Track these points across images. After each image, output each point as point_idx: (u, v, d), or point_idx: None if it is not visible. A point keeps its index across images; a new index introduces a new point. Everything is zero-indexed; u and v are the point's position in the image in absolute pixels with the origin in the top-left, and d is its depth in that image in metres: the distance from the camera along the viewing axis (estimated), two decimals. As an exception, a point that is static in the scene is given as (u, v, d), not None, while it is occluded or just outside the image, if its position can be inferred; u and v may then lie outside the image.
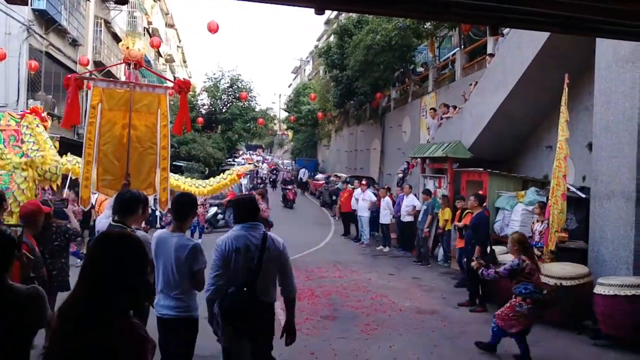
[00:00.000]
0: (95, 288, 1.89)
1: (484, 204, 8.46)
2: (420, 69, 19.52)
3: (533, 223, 8.10)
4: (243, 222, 3.88)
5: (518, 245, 5.69)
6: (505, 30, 11.38)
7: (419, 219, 11.93)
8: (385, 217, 13.42)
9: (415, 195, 12.97)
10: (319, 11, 4.31)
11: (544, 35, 8.56)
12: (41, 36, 15.92)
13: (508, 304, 5.67)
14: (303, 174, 32.81)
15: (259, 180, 28.95)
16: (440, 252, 11.75)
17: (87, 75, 9.38)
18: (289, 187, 24.22)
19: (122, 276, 1.92)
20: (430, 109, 15.46)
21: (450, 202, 11.12)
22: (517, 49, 9.78)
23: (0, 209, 4.76)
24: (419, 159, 13.85)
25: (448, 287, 9.38)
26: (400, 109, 20.32)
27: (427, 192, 12.09)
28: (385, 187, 15.24)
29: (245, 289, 3.72)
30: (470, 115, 11.74)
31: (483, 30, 13.90)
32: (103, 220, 4.81)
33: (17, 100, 14.72)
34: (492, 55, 12.07)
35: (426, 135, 15.70)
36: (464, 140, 11.63)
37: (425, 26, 16.96)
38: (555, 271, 6.89)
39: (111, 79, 8.82)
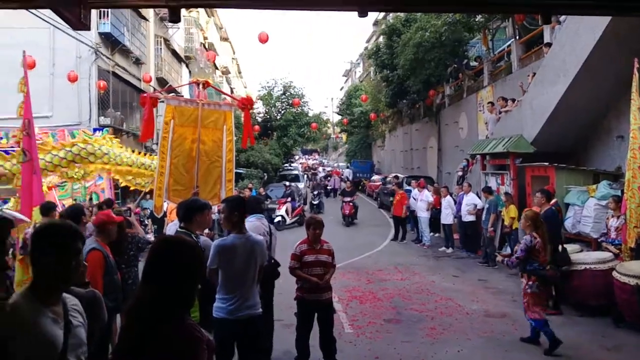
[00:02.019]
0: (153, 289, 2.01)
1: (553, 200, 8.12)
2: (474, 63, 19.02)
3: (608, 219, 7.65)
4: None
5: (530, 221, 5.98)
6: (562, 18, 10.90)
7: (482, 218, 11.60)
8: (447, 217, 13.13)
9: (476, 193, 12.62)
10: (362, 13, 4.33)
11: (604, 20, 8.11)
12: (108, 57, 16.93)
13: (523, 293, 5.96)
14: (349, 174, 31.96)
15: (317, 184, 28.33)
16: (507, 252, 11.34)
17: (161, 90, 10.07)
18: (347, 198, 19.20)
19: (177, 278, 2.02)
20: (488, 103, 15.02)
21: (515, 199, 10.75)
22: (575, 36, 9.32)
23: (78, 223, 5.10)
24: (478, 156, 13.49)
25: (518, 289, 8.93)
26: (455, 105, 19.88)
27: (488, 190, 11.74)
28: (444, 186, 14.92)
29: None
30: (530, 107, 11.30)
31: (538, 19, 13.39)
32: (172, 227, 5.11)
33: (89, 118, 15.72)
34: (549, 44, 11.57)
35: (484, 131, 15.27)
36: (526, 134, 11.21)
37: (476, 19, 16.53)
38: (635, 269, 6.41)
39: (181, 97, 9.40)
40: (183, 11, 25.64)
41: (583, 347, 6.01)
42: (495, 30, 17.77)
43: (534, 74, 11.70)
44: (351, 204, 18.77)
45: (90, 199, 11.76)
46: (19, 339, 1.89)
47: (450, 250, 12.93)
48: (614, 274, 6.59)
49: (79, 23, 4.27)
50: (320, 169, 42.76)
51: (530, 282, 5.85)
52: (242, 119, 8.44)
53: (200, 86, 7.31)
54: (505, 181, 11.64)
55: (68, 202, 9.94)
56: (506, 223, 10.86)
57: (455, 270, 10.79)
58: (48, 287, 2.07)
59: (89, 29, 4.49)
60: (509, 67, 15.23)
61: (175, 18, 4.96)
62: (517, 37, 14.64)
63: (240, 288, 4.10)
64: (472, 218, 12.18)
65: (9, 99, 6.00)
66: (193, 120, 7.07)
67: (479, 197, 12.38)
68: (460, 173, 15.57)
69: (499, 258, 6.55)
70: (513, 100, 12.92)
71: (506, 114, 13.03)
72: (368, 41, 48.07)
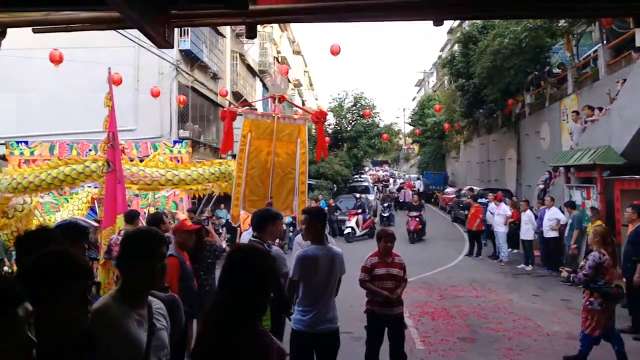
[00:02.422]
0: (227, 297, 2.07)
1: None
2: (556, 70, 18.11)
3: None
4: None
5: (599, 237, 5.76)
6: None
7: (565, 234, 10.94)
8: (527, 233, 12.49)
9: (559, 207, 11.93)
10: (438, 22, 4.24)
11: None
12: (187, 73, 17.82)
13: (582, 309, 5.77)
14: (419, 186, 30.71)
15: (387, 196, 27.91)
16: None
17: (236, 107, 10.54)
18: (414, 213, 17.85)
19: (249, 286, 2.07)
20: (572, 112, 14.22)
21: (602, 215, 10.06)
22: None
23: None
24: (561, 168, 12.77)
25: (604, 310, 8.42)
26: (536, 115, 18.98)
27: (571, 204, 11.09)
28: (524, 199, 14.22)
29: None
30: (620, 116, 10.56)
31: (628, 22, 12.52)
32: (246, 236, 5.26)
33: (170, 131, 16.58)
34: (640, 49, 10.81)
35: (568, 142, 14.46)
36: (615, 145, 10.48)
37: (559, 24, 15.76)
38: None
39: (258, 111, 9.83)
40: (259, 27, 26.50)
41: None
42: (580, 35, 16.86)
43: (624, 80, 10.93)
44: (417, 219, 17.53)
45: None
46: (105, 338, 1.96)
47: (530, 267, 12.27)
48: None
49: (164, 41, 4.51)
50: (391, 180, 42.19)
51: (592, 299, 5.67)
52: (315, 131, 8.66)
53: (277, 100, 7.53)
54: (591, 195, 10.92)
55: (150, 210, 10.45)
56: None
57: (536, 288, 10.22)
58: (135, 290, 2.19)
59: (172, 47, 4.75)
60: (595, 74, 14.37)
61: (252, 34, 5.13)
62: (605, 42, 13.78)
63: (321, 301, 4.11)
64: (554, 234, 11.51)
65: (98, 114, 6.42)
66: (269, 133, 7.30)
67: (562, 212, 11.68)
68: (541, 186, 14.80)
69: (563, 273, 6.33)
70: (600, 109, 12.13)
71: (592, 123, 12.26)
72: (442, 50, 47.25)
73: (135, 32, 4.32)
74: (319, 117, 7.81)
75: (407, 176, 48.55)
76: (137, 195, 11.54)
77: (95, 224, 7.09)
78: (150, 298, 2.27)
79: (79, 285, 1.78)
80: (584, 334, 5.78)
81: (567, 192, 12.17)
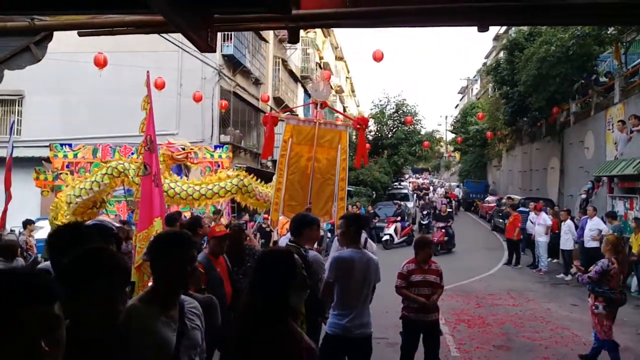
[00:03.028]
0: (256, 296, 2.21)
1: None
2: (603, 79, 17.60)
3: None
4: None
5: (611, 246, 6.08)
6: None
7: (597, 244, 10.67)
8: (567, 243, 12.22)
9: (601, 218, 11.61)
10: (482, 28, 4.26)
11: None
12: (230, 78, 18.15)
13: (590, 313, 6.13)
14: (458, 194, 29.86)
15: (427, 204, 27.29)
16: (634, 282, 10.32)
17: (282, 111, 10.66)
18: (440, 224, 17.15)
19: (275, 286, 2.19)
20: (618, 121, 13.82)
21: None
22: None
23: (194, 234, 5.55)
24: (605, 178, 12.44)
25: (646, 323, 8.20)
26: (581, 124, 18.48)
27: (612, 215, 10.95)
28: (566, 209, 13.91)
29: None
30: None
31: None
32: (284, 240, 5.36)
33: (211, 136, 16.93)
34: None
35: (613, 151, 14.05)
36: (661, 155, 10.18)
37: (608, 32, 15.35)
38: None
39: (300, 117, 9.89)
40: (301, 32, 26.78)
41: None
42: (629, 43, 16.37)
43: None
44: (444, 230, 16.55)
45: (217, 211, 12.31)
46: (132, 339, 2.00)
47: (569, 277, 11.99)
48: None
49: (206, 46, 4.72)
50: (431, 188, 41.36)
51: (597, 303, 6.02)
52: (356, 138, 8.67)
53: (318, 106, 7.55)
54: (634, 206, 10.63)
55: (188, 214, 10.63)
56: (634, 251, 9.90)
57: (575, 298, 9.98)
58: (164, 291, 2.25)
59: (214, 51, 4.93)
60: (643, 83, 13.91)
61: (294, 39, 5.29)
62: (655, 50, 13.37)
63: (357, 304, 4.12)
64: (595, 244, 11.17)
65: (141, 118, 6.61)
66: (310, 138, 7.31)
67: (604, 222, 11.38)
68: (584, 196, 14.45)
69: (573, 269, 6.31)
70: (647, 119, 11.79)
71: (638, 133, 11.91)
72: (487, 57, 46.45)
73: (179, 37, 4.52)
74: (361, 123, 7.81)
75: (447, 184, 47.75)
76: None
77: (118, 225, 7.12)
78: (183, 297, 2.32)
79: (116, 283, 1.82)
80: (601, 339, 6.07)
81: (609, 202, 11.89)
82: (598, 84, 17.38)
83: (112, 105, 16.26)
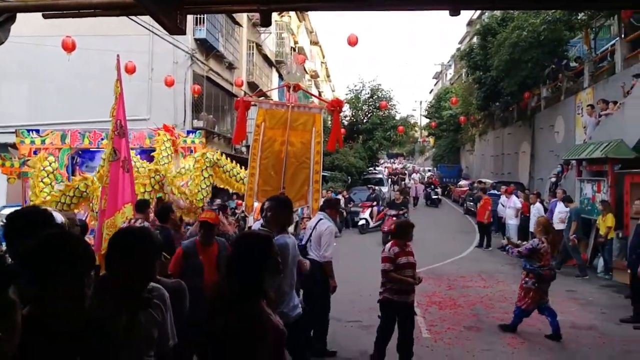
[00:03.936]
0: (232, 279, 2.22)
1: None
2: (574, 64, 17.93)
3: None
4: None
5: (542, 227, 6.73)
6: (676, 13, 10.02)
7: (563, 227, 11.05)
8: (536, 226, 12.52)
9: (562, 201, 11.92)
10: (454, 12, 4.27)
11: None
12: (202, 62, 17.85)
13: (519, 286, 6.80)
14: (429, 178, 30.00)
15: (403, 189, 27.16)
16: (600, 262, 10.65)
17: (252, 96, 10.50)
18: (392, 212, 15.93)
19: (252, 270, 2.21)
20: (588, 105, 14.12)
21: (613, 208, 10.06)
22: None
23: (165, 220, 5.51)
24: (574, 162, 12.73)
25: (609, 302, 8.49)
26: (552, 108, 18.84)
27: (568, 199, 11.49)
28: (535, 192, 14.21)
29: None
30: (633, 110, 10.50)
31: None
32: (256, 225, 5.36)
33: (184, 121, 16.68)
34: (659, 42, 10.70)
35: (582, 135, 14.38)
36: (627, 139, 10.44)
37: (578, 17, 15.58)
38: None
39: (272, 100, 9.73)
40: (275, 16, 26.53)
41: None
42: (598, 28, 16.66)
43: (636, 75, 10.88)
44: (395, 218, 14.90)
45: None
46: (86, 331, 1.96)
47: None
48: None
49: (176, 28, 4.63)
50: (415, 175, 40.79)
51: (527, 279, 6.64)
52: (330, 121, 8.51)
53: (291, 89, 7.48)
54: (601, 188, 10.91)
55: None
56: (601, 232, 10.20)
57: (543, 280, 10.27)
58: (122, 285, 2.19)
59: (184, 33, 4.82)
60: (612, 68, 14.23)
61: (266, 22, 5.21)
62: (623, 36, 13.63)
63: (290, 290, 4.15)
64: (563, 226, 11.51)
65: (111, 103, 6.45)
66: (283, 122, 7.23)
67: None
68: (553, 179, 14.78)
69: (504, 241, 7.02)
70: (615, 103, 12.05)
71: (606, 117, 12.19)
72: (461, 42, 46.72)
73: (149, 20, 4.38)
74: (335, 105, 7.63)
75: (420, 169, 48.13)
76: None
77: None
78: (153, 287, 2.29)
79: (83, 267, 1.82)
80: (521, 308, 6.69)
81: (578, 186, 12.16)
82: (568, 68, 17.70)
83: (82, 90, 15.92)
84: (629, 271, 7.49)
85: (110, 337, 2.05)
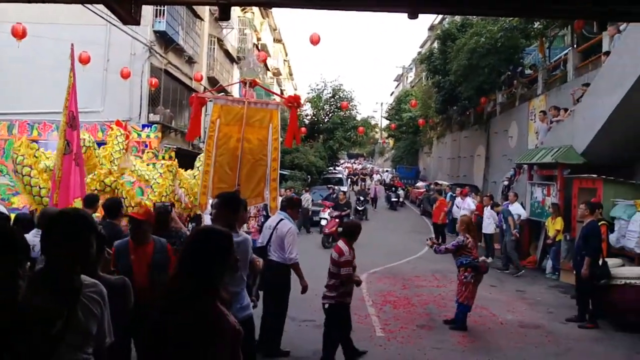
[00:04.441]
0: (186, 275, 2.13)
1: (599, 213, 7.87)
2: (528, 71, 18.51)
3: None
4: None
5: (465, 225, 7.14)
6: (623, 26, 10.48)
7: (493, 229, 11.88)
8: (489, 227, 12.83)
9: (521, 203, 12.29)
10: (412, 15, 4.30)
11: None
12: (161, 55, 17.42)
13: (458, 283, 7.04)
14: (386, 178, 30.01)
15: (362, 190, 27.26)
16: (548, 264, 11.03)
17: (208, 93, 10.28)
18: (335, 213, 15.40)
19: (209, 266, 2.13)
20: (540, 111, 14.61)
21: (562, 211, 10.44)
22: (636, 45, 8.95)
23: (115, 216, 5.32)
24: (525, 166, 13.13)
25: (556, 301, 8.79)
26: (506, 114, 19.40)
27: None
28: (488, 194, 14.60)
29: None
30: (583, 118, 10.92)
31: (601, 28, 12.92)
32: (208, 221, 5.26)
33: (140, 115, 16.22)
34: (608, 53, 11.15)
35: (534, 140, 14.86)
36: (576, 145, 10.84)
37: (534, 26, 16.10)
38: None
39: (228, 96, 9.53)
40: (238, 12, 26.20)
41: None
42: (553, 38, 17.25)
43: (586, 84, 11.33)
44: (338, 220, 14.46)
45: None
46: (17, 325, 1.90)
47: (490, 259, 12.58)
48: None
49: (130, 18, 4.48)
50: (375, 176, 40.91)
51: (466, 274, 6.91)
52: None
53: (247, 85, 7.44)
54: (551, 192, 11.31)
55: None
56: (550, 234, 10.58)
57: (494, 279, 10.50)
58: (58, 273, 2.08)
59: (138, 23, 4.66)
60: (564, 76, 14.77)
61: (225, 16, 5.11)
62: (575, 46, 14.16)
63: (238, 289, 3.97)
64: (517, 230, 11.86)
65: (63, 93, 6.20)
66: (239, 119, 7.12)
67: (524, 207, 12.08)
68: (506, 182, 15.21)
69: (428, 242, 7.41)
70: (565, 110, 12.51)
71: (557, 123, 12.63)
72: (422, 46, 47.58)
73: (107, 9, 4.21)
74: (292, 101, 7.56)
75: (379, 169, 48.69)
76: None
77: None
78: (85, 281, 2.17)
79: (20, 260, 1.78)
80: (461, 303, 6.94)
81: (529, 189, 12.55)
82: (523, 75, 18.25)
83: (32, 79, 15.25)
84: (574, 272, 7.79)
85: (46, 331, 1.96)
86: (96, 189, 7.87)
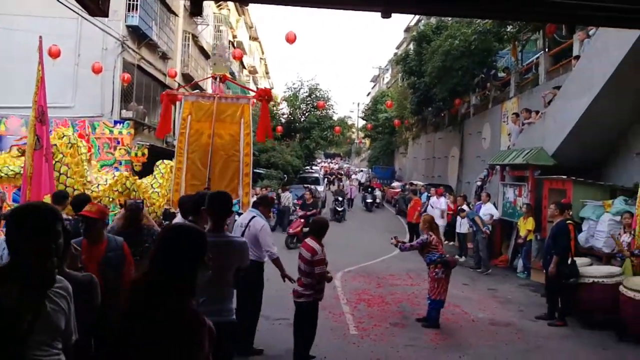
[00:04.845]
0: (158, 272, 2.07)
1: (568, 213, 8.03)
2: (501, 74, 18.81)
3: (619, 234, 7.53)
4: None
5: (427, 224, 7.24)
6: (592, 31, 10.74)
7: (474, 229, 11.84)
8: (462, 226, 13.01)
9: (494, 204, 12.49)
10: (386, 14, 4.30)
11: (634, 35, 7.97)
12: (134, 50, 17.10)
13: (430, 280, 7.09)
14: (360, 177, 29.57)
15: (340, 190, 26.68)
16: (519, 263, 11.23)
17: (179, 89, 10.17)
18: (301, 212, 15.16)
19: (183, 263, 2.08)
20: (513, 114, 14.86)
21: (533, 212, 10.64)
22: (603, 50, 9.18)
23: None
24: (498, 167, 13.35)
25: (526, 300, 8.96)
26: (480, 115, 19.69)
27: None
28: (462, 195, 14.80)
29: None
30: (553, 120, 11.15)
31: (570, 32, 13.21)
32: (179, 219, 5.16)
33: (112, 111, 15.87)
34: (578, 57, 11.41)
35: (507, 142, 15.11)
36: (547, 147, 11.06)
37: (507, 29, 16.37)
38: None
39: (199, 92, 9.40)
40: (213, 8, 25.81)
41: (583, 358, 5.99)
42: (525, 41, 17.54)
43: (557, 87, 11.57)
44: (303, 220, 14.15)
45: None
46: None
47: (463, 259, 12.77)
48: (621, 288, 6.62)
49: (97, 9, 4.37)
50: (355, 176, 40.59)
51: (437, 270, 6.98)
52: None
53: (218, 80, 7.38)
54: (522, 193, 11.50)
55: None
56: (521, 234, 10.76)
57: (466, 278, 10.68)
58: (24, 267, 2.04)
59: (106, 15, 4.55)
60: (535, 79, 15.05)
61: (197, 10, 5.03)
62: (547, 49, 14.45)
63: (208, 288, 3.47)
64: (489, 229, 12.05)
65: (33, 87, 6.04)
66: (210, 115, 7.10)
67: (496, 208, 12.27)
68: (479, 183, 15.42)
69: (392, 241, 7.42)
70: (537, 112, 12.75)
71: (529, 126, 12.87)
72: (398, 47, 47.94)
73: (74, 1, 4.09)
74: (263, 95, 7.50)
75: (355, 169, 48.83)
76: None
77: None
78: (58, 277, 2.15)
79: None
80: (433, 299, 7.02)
81: (501, 189, 12.76)
82: (496, 78, 18.54)
83: (3, 72, 14.72)
84: (544, 271, 7.94)
85: (13, 327, 1.91)
86: (118, 191, 8.04)
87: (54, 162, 7.12)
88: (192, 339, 2.02)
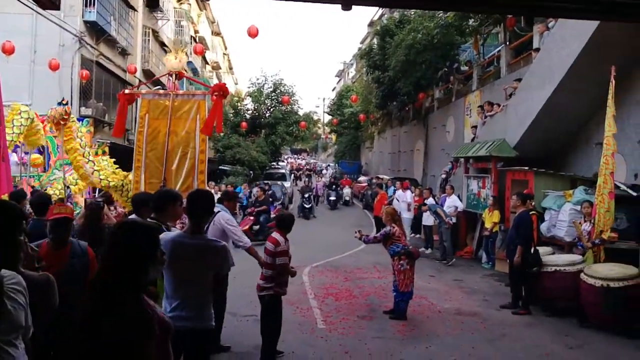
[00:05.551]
0: (112, 268, 2.06)
1: (530, 203, 8.20)
2: (464, 68, 19.09)
3: (580, 223, 7.73)
4: None
5: (390, 216, 7.28)
6: (551, 23, 10.98)
7: (438, 222, 12.05)
8: (428, 219, 13.14)
9: (458, 196, 12.66)
10: (346, 7, 4.27)
11: (592, 26, 8.17)
12: (92, 46, 16.63)
13: (396, 273, 7.08)
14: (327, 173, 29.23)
15: (307, 187, 26.12)
16: (484, 254, 11.43)
17: (139, 85, 10.05)
18: (249, 210, 14.73)
19: (136, 259, 2.07)
20: (478, 107, 15.08)
21: (499, 204, 10.83)
22: (562, 42, 9.39)
23: (43, 213, 5.02)
24: (462, 159, 13.53)
25: (491, 290, 9.11)
26: (443, 109, 19.95)
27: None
28: (428, 188, 14.96)
29: None
30: (515, 112, 11.36)
31: (529, 25, 13.48)
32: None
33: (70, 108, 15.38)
34: (538, 50, 11.65)
35: (470, 135, 15.34)
36: (509, 139, 11.26)
37: (469, 23, 16.60)
38: (602, 272, 6.57)
39: (155, 90, 9.20)
40: (174, 3, 25.34)
41: (546, 345, 6.16)
42: (487, 35, 17.84)
43: (518, 80, 11.77)
44: (252, 217, 13.73)
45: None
46: None
47: (429, 250, 12.93)
48: (582, 275, 6.76)
49: (49, 3, 4.19)
50: (326, 172, 40.20)
51: (401, 261, 7.02)
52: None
53: (173, 77, 7.32)
54: (486, 184, 11.69)
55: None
56: (487, 226, 10.92)
57: (432, 270, 10.81)
58: None
59: (58, 8, 4.38)
60: (497, 72, 15.32)
61: (153, 3, 4.86)
62: (508, 43, 14.72)
63: (181, 293, 3.39)
64: (452, 219, 12.20)
65: None
66: (167, 112, 7.09)
67: (461, 200, 12.44)
68: (444, 176, 15.61)
69: (356, 235, 7.47)
70: (499, 105, 12.98)
71: (491, 118, 13.08)
72: (362, 42, 48.09)
73: None
74: (218, 90, 7.29)
75: (320, 164, 48.82)
76: (32, 176, 10.78)
77: None
78: (4, 273, 2.11)
79: None
80: (402, 292, 7.03)
81: (465, 182, 12.94)
82: (459, 72, 18.81)
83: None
84: (508, 261, 8.09)
85: None
86: (115, 186, 7.90)
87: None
88: (152, 334, 2.04)
